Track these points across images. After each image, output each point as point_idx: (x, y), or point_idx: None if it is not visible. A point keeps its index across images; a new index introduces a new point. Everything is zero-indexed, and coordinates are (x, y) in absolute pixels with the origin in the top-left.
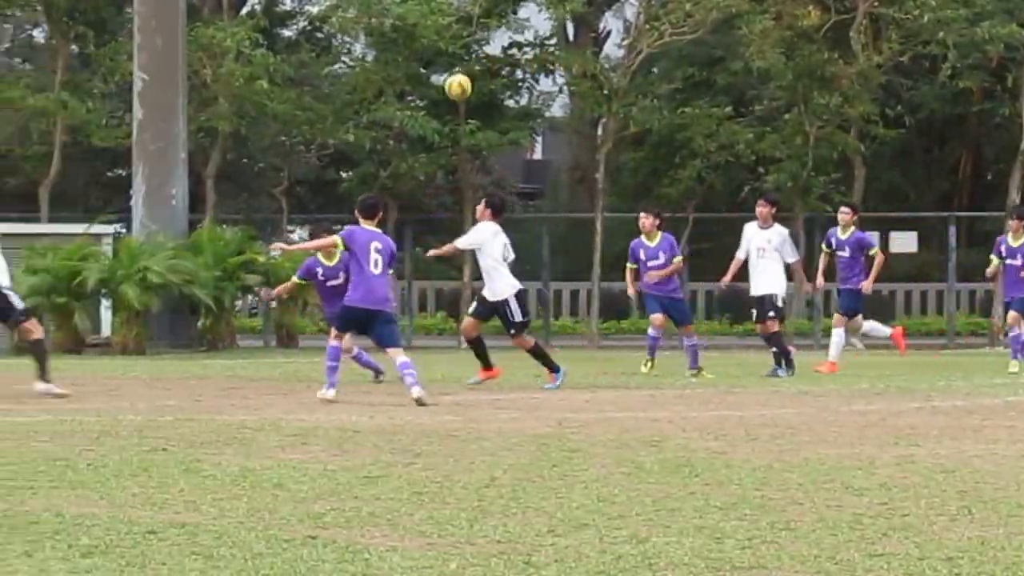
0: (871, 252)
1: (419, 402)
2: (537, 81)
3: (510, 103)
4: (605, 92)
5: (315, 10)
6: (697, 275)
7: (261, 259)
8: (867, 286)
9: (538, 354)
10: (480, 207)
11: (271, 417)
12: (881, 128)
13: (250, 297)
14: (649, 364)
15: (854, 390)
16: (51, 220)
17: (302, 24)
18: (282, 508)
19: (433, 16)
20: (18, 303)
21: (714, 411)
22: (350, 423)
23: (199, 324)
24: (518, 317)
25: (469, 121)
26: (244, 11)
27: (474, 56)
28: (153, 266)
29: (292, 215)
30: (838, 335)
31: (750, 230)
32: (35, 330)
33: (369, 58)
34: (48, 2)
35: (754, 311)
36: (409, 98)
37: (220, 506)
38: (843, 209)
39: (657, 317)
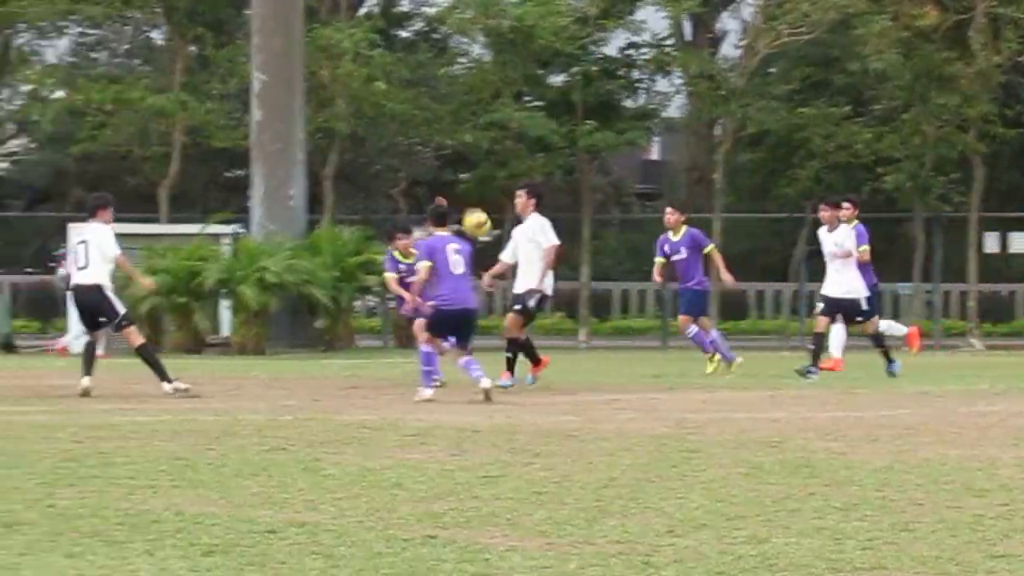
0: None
1: (487, 395)
2: (654, 81)
3: (627, 103)
4: (722, 93)
5: (432, 11)
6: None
7: (380, 259)
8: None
9: (526, 347)
10: (524, 198)
11: (390, 417)
12: (1000, 128)
13: (368, 298)
14: (718, 364)
15: (974, 391)
16: (170, 221)
17: (419, 25)
18: (401, 508)
19: (551, 17)
20: (120, 308)
21: (833, 412)
22: (469, 423)
23: (316, 324)
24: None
25: (587, 122)
26: (362, 12)
27: (591, 56)
28: (271, 266)
29: (410, 216)
30: (839, 330)
31: (821, 234)
32: (135, 337)
33: (487, 59)
34: (167, 4)
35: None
36: (526, 99)
37: (339, 505)
38: (844, 204)
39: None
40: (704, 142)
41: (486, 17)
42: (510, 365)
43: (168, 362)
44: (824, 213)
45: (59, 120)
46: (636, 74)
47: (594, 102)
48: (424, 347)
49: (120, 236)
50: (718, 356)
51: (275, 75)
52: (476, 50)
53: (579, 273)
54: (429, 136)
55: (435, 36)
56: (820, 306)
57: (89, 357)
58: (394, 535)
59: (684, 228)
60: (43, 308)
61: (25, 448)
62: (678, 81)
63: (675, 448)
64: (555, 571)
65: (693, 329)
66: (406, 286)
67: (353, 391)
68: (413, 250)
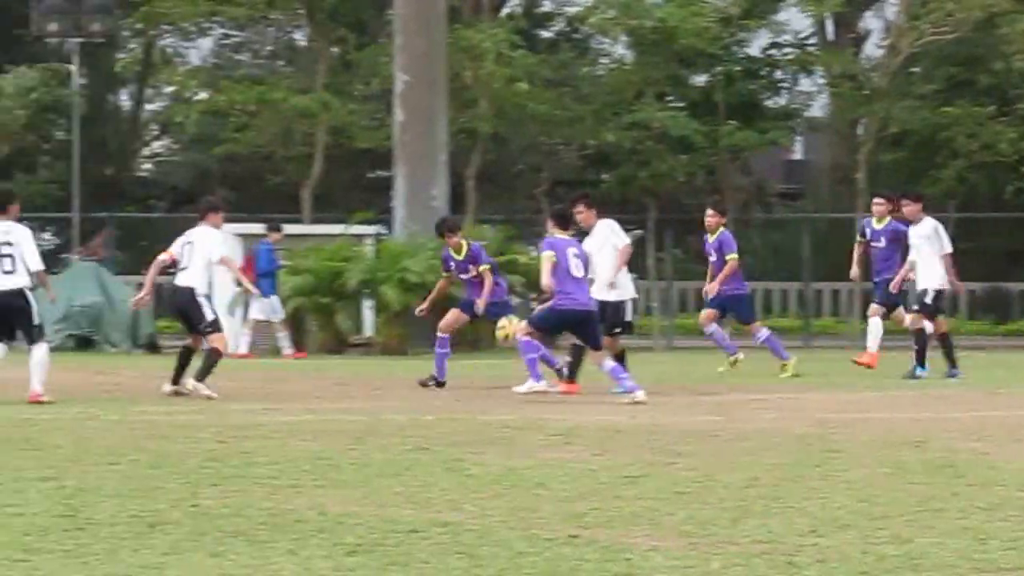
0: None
1: (637, 401)
2: (797, 81)
3: (769, 103)
4: (865, 92)
5: (574, 11)
6: (962, 276)
7: (523, 259)
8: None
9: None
10: (585, 211)
11: (533, 416)
12: None
13: (511, 297)
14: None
15: None
16: (313, 221)
17: (561, 25)
18: (544, 507)
19: (693, 18)
20: (209, 314)
21: (977, 412)
22: (612, 423)
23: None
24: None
25: (729, 121)
26: (504, 12)
27: (734, 57)
28: (413, 267)
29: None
30: (875, 325)
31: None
32: (218, 341)
33: (629, 59)
34: (310, 5)
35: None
36: (669, 99)
37: (482, 505)
38: (876, 200)
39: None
40: (846, 142)
41: (628, 17)
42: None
43: (311, 362)
44: (907, 208)
45: (202, 121)
46: (778, 74)
47: (736, 102)
48: (523, 337)
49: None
50: (738, 355)
51: (418, 76)
52: (618, 50)
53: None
54: (571, 136)
55: (576, 36)
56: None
57: (184, 363)
58: (536, 535)
59: (720, 230)
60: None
61: (169, 448)
62: (820, 81)
63: (818, 448)
64: (697, 571)
65: (712, 327)
66: (463, 283)
67: (496, 391)
68: (463, 245)
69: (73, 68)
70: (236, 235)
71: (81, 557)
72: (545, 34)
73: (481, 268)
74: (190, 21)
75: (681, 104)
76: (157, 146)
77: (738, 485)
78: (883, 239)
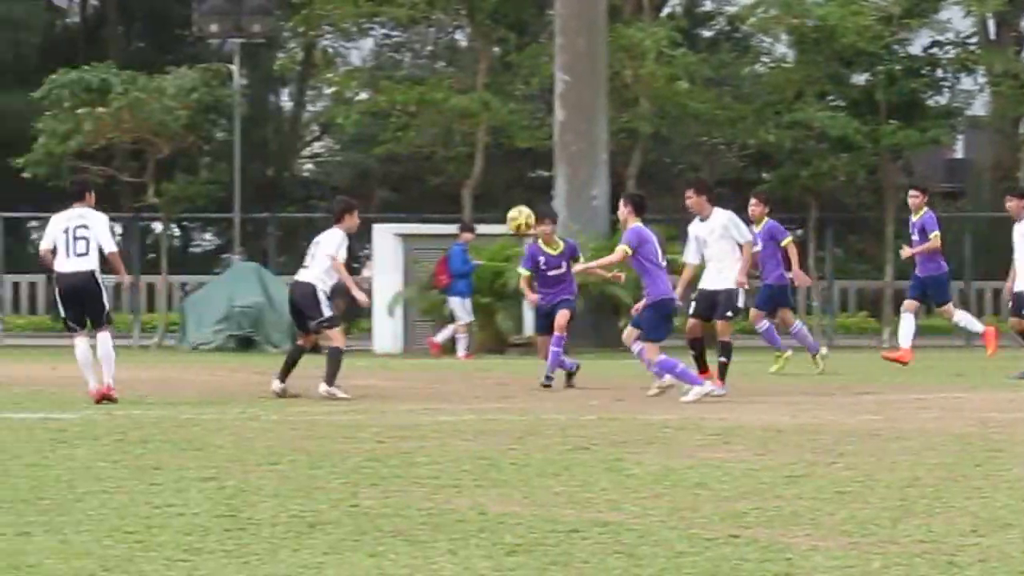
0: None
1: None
2: (958, 80)
3: (930, 102)
4: None
5: (734, 10)
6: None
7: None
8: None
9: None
10: (695, 196)
11: (693, 416)
12: None
13: None
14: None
15: None
16: (474, 221)
17: (721, 24)
18: (704, 507)
19: (853, 17)
20: (327, 311)
21: None
22: (772, 423)
23: (621, 324)
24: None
25: (890, 120)
26: (665, 12)
27: (895, 55)
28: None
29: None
30: (908, 321)
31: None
32: (336, 338)
33: (789, 58)
34: (471, 5)
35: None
36: (829, 98)
37: (642, 505)
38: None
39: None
40: (1008, 140)
41: (789, 16)
42: (723, 372)
43: (472, 362)
44: (1010, 204)
45: (362, 122)
46: (939, 73)
47: (897, 101)
48: (659, 357)
49: (424, 236)
50: (787, 353)
51: (578, 75)
52: (779, 49)
53: (883, 272)
54: (732, 136)
55: (736, 35)
56: None
57: (292, 361)
58: (696, 534)
59: (765, 220)
60: (348, 308)
61: (329, 448)
62: (982, 79)
63: (980, 447)
64: (858, 571)
65: (764, 324)
66: (549, 280)
67: (656, 391)
68: (558, 240)
69: (234, 69)
70: (396, 235)
71: (242, 557)
72: (706, 33)
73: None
74: (351, 21)
75: (842, 103)
76: (318, 146)
77: (899, 485)
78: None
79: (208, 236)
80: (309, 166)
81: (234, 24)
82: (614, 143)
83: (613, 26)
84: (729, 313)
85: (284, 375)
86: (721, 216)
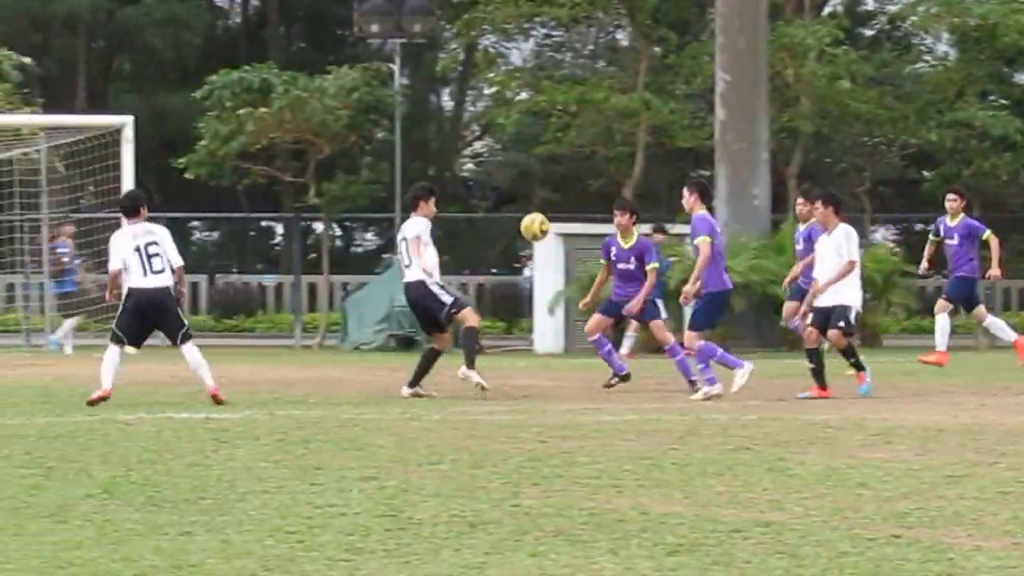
0: (983, 237)
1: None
2: None
3: None
4: None
5: (895, 9)
6: None
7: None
8: (994, 273)
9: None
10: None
11: (854, 416)
12: None
13: None
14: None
15: None
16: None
17: (882, 23)
18: (866, 507)
19: (1015, 15)
20: (447, 298)
21: None
22: (934, 422)
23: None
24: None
25: None
26: (826, 11)
27: None
28: (736, 266)
29: (875, 215)
30: (943, 321)
31: None
32: (469, 318)
33: (950, 57)
34: (632, 5)
35: None
36: (991, 97)
37: (804, 505)
38: (950, 196)
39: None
40: None
41: (950, 15)
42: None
43: (632, 362)
44: None
45: (523, 122)
46: None
47: None
48: (699, 343)
49: (585, 236)
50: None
51: (739, 74)
52: (940, 48)
53: None
54: (894, 135)
55: (897, 34)
56: None
57: (426, 364)
58: (858, 535)
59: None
60: (509, 309)
61: (491, 448)
62: None
63: None
64: (1021, 571)
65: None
66: (617, 273)
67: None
68: (634, 233)
69: (395, 68)
70: (557, 234)
71: (403, 557)
72: (867, 32)
73: (648, 267)
74: (512, 22)
75: (1004, 102)
76: (478, 146)
77: None
78: (956, 236)
79: (369, 236)
80: (469, 166)
81: (395, 24)
82: (775, 142)
83: (774, 25)
84: (841, 324)
85: (416, 380)
86: (840, 231)
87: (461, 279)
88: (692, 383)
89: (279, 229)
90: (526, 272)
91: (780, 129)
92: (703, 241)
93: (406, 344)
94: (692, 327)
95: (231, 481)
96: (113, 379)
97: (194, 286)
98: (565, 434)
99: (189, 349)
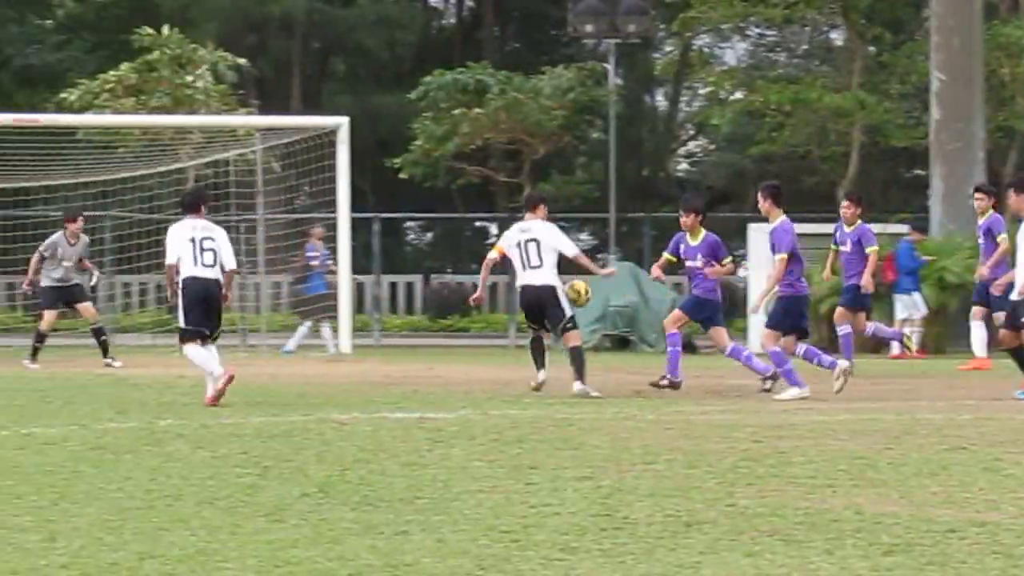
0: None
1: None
2: None
3: None
4: None
5: None
6: None
7: None
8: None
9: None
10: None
11: None
12: None
13: None
14: None
15: None
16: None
17: None
18: None
19: None
20: (569, 311)
21: None
22: None
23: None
24: None
25: None
26: None
27: None
28: (951, 266)
29: None
30: (979, 329)
31: None
32: (573, 338)
33: None
34: (846, 4)
35: None
36: None
37: (1020, 505)
38: (977, 195)
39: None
40: None
41: None
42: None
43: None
44: None
45: (737, 121)
46: None
47: None
48: (772, 349)
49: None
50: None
51: (954, 74)
52: None
53: None
54: None
55: None
56: None
57: (540, 350)
58: None
59: (859, 222)
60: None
61: (705, 448)
62: None
63: None
64: None
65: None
66: (688, 269)
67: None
68: (701, 231)
69: (609, 68)
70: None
71: (618, 556)
72: None
73: (725, 262)
74: (727, 22)
75: None
76: (692, 146)
77: None
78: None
79: (583, 235)
80: (684, 166)
81: (609, 24)
82: (990, 142)
83: (989, 24)
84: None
85: (581, 376)
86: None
87: (674, 280)
88: (768, 379)
89: (493, 229)
90: (740, 272)
91: (996, 128)
92: (778, 259)
93: (621, 344)
94: (767, 325)
95: (446, 481)
96: (216, 362)
97: (409, 286)
98: (779, 434)
99: (211, 349)
